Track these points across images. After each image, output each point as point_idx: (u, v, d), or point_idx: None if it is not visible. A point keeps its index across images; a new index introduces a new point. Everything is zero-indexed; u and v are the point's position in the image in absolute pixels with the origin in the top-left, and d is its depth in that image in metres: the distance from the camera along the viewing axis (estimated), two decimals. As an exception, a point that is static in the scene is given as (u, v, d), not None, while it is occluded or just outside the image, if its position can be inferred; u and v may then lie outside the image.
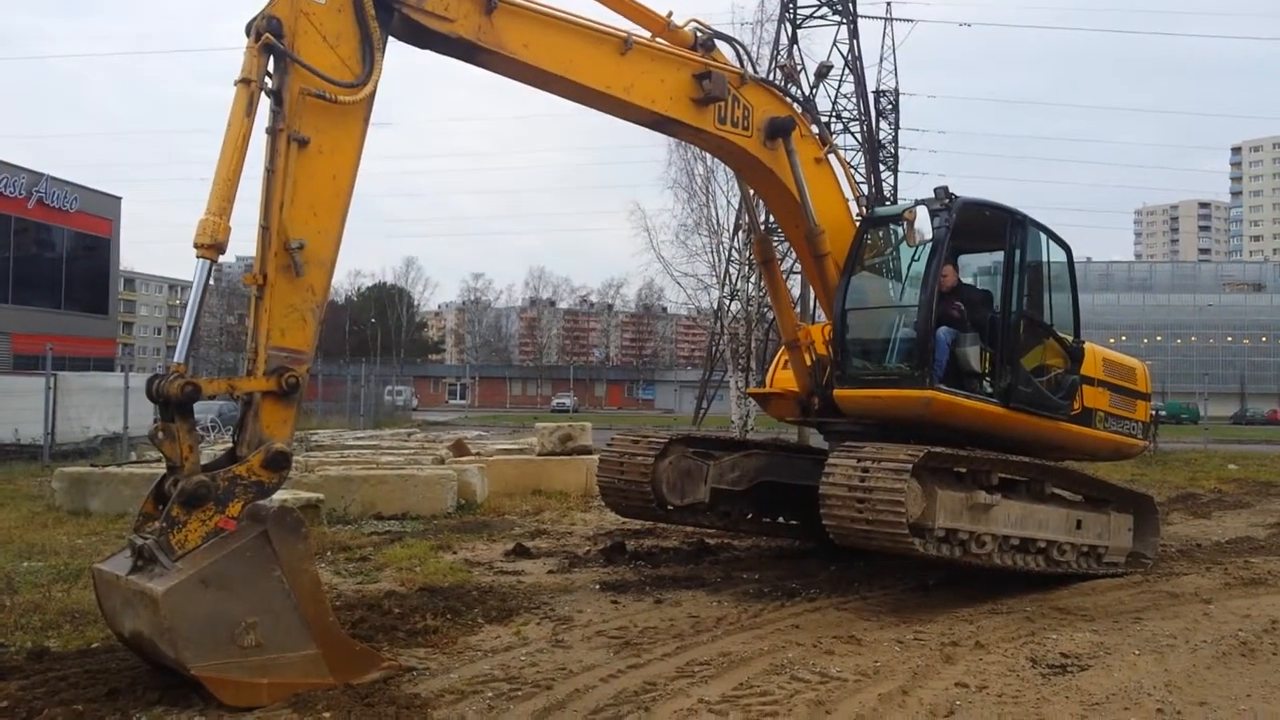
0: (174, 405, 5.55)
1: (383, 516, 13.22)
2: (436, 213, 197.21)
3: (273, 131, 6.01)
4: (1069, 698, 5.89)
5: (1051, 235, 9.89)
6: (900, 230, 9.32)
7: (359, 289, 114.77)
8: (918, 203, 9.24)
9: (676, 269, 34.95)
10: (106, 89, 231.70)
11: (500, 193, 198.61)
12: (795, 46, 43.38)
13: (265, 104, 5.98)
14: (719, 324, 37.50)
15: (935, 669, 6.48)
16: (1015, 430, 9.34)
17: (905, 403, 8.76)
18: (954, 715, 5.58)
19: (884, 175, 48.80)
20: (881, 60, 52.75)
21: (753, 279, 31.33)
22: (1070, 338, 9.98)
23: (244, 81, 5.78)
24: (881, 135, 50.16)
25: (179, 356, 5.71)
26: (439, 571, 9.47)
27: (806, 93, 36.06)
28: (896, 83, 51.86)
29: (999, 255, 9.61)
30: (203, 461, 5.76)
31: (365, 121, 6.32)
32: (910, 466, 7.64)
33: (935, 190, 9.19)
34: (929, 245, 9.01)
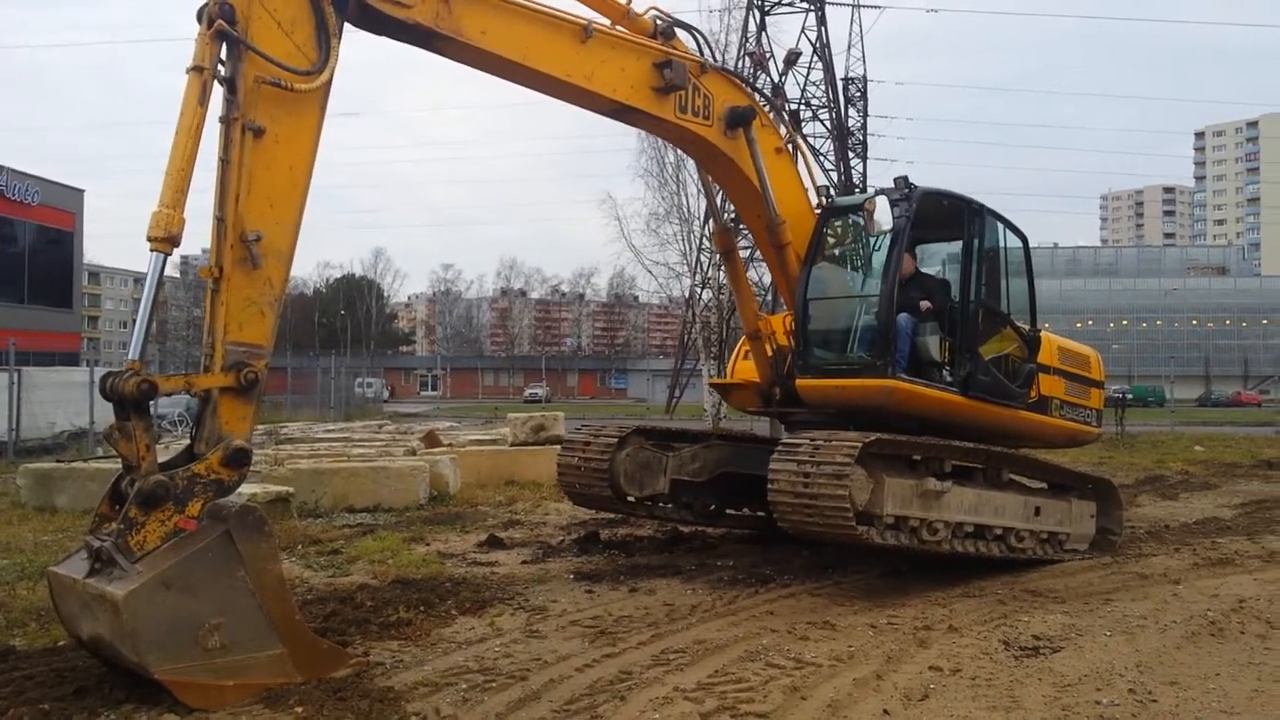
0: (129, 403, 5.42)
1: (354, 509, 13.13)
2: (405, 203, 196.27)
3: (227, 120, 5.87)
4: (1042, 679, 5.93)
5: (1008, 224, 9.95)
6: (861, 220, 9.34)
7: (327, 280, 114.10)
8: (878, 192, 9.25)
9: (648, 258, 35.05)
10: (70, 80, 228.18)
11: (470, 183, 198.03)
12: (764, 34, 43.50)
13: (219, 93, 5.86)
14: (691, 312, 37.56)
15: (909, 653, 6.50)
16: (974, 419, 9.39)
17: (867, 392, 8.78)
18: (928, 699, 5.60)
19: (853, 163, 49.04)
20: (850, 47, 53.00)
21: (724, 267, 31.39)
22: (1027, 326, 10.05)
23: (196, 69, 5.65)
24: (850, 122, 50.35)
25: (134, 353, 5.57)
26: (412, 564, 9.41)
27: (775, 80, 36.15)
28: (865, 70, 52.06)
29: (958, 244, 9.66)
30: (160, 460, 5.64)
31: (322, 110, 6.20)
32: (855, 454, 7.66)
33: (895, 180, 9.23)
34: (889, 235, 9.04)
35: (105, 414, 5.87)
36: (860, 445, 7.74)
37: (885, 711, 5.39)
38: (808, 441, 7.98)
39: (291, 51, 6.02)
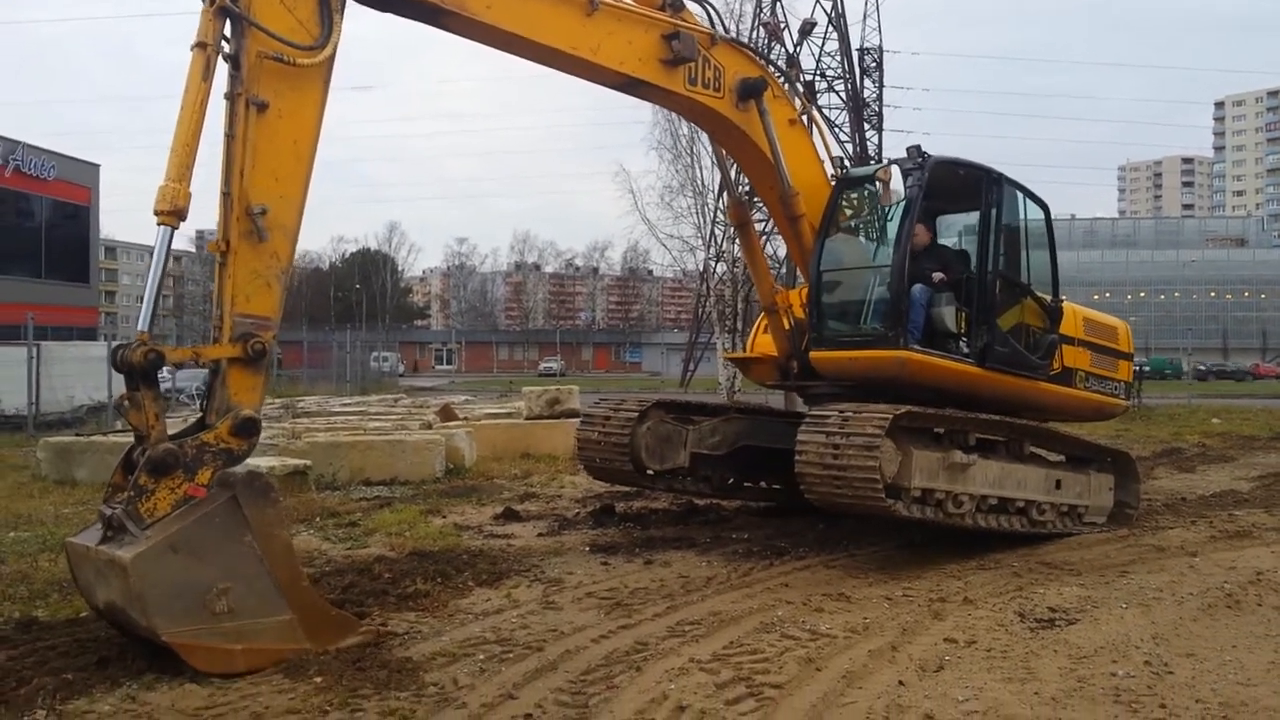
0: (139, 373, 5.50)
1: (371, 482, 13.21)
2: (418, 176, 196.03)
3: (231, 96, 5.91)
4: (1057, 651, 5.93)
5: (1028, 193, 9.80)
6: (876, 190, 9.27)
7: (342, 255, 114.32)
8: (891, 162, 9.18)
9: (662, 231, 34.85)
10: (78, 56, 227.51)
11: (484, 155, 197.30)
12: (778, 4, 43.04)
13: (224, 68, 5.89)
14: (705, 286, 37.47)
15: (924, 625, 6.52)
16: (993, 390, 9.33)
17: (881, 363, 8.75)
18: (943, 670, 5.61)
19: (868, 134, 48.66)
20: (865, 17, 52.50)
21: (739, 240, 31.24)
22: (1049, 297, 9.95)
23: (200, 45, 5.69)
24: (866, 93, 49.92)
25: (142, 324, 5.63)
26: (428, 536, 9.47)
27: (790, 51, 35.87)
28: (880, 40, 51.49)
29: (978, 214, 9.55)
30: (172, 431, 5.71)
31: (325, 84, 6.21)
32: (885, 425, 7.65)
33: (908, 149, 9.15)
34: (903, 205, 8.97)
35: (124, 387, 5.94)
36: (891, 417, 7.73)
37: (900, 683, 5.40)
38: (837, 413, 7.96)
39: (294, 27, 6.01)
